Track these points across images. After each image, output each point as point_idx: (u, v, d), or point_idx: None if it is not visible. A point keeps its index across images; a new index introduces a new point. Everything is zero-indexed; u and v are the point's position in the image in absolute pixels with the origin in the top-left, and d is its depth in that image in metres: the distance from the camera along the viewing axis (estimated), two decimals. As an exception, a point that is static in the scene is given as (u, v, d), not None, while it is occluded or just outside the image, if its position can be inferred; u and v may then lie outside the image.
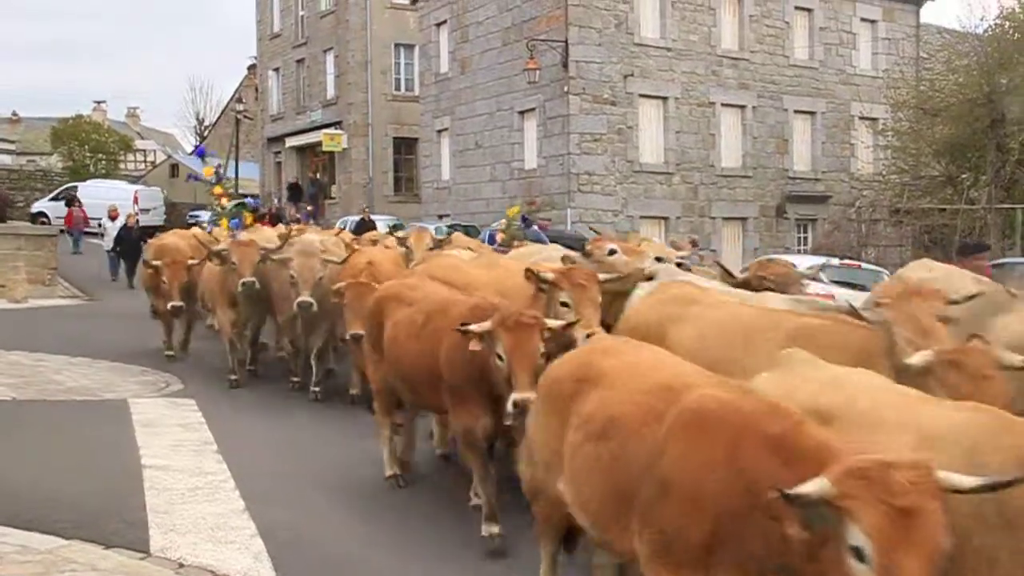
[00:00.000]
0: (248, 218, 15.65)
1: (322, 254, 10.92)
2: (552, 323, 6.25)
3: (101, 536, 6.20)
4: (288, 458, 8.74)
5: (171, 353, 13.55)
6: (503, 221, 20.46)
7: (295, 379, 11.86)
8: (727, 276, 9.17)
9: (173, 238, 15.11)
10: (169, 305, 12.56)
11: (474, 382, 6.33)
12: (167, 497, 7.18)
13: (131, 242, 24.46)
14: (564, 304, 7.02)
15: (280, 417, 10.44)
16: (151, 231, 24.68)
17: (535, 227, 17.80)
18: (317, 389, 11.24)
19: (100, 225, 27.05)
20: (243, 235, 14.32)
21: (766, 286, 8.40)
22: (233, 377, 12.02)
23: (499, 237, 14.21)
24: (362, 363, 9.99)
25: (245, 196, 20.44)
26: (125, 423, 9.51)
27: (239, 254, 11.39)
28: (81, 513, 6.56)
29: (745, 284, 8.67)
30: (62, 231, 30.83)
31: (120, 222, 25.98)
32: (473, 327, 5.99)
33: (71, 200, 35.38)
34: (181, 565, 5.91)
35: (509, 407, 5.66)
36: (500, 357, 5.89)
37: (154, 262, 12.99)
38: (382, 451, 7.96)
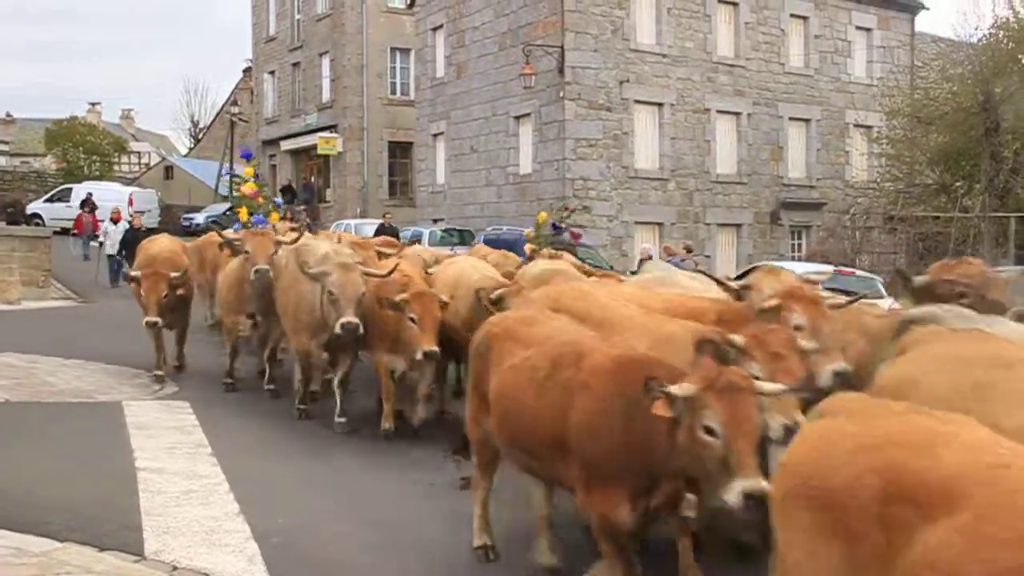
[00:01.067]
0: (273, 216, 14.75)
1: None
2: (770, 387, 4.85)
3: (95, 539, 6.18)
4: (283, 461, 8.74)
5: (160, 373, 12.30)
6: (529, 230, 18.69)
7: (270, 387, 11.70)
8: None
9: (160, 245, 13.99)
10: (144, 320, 11.65)
11: (625, 459, 4.90)
12: (161, 500, 7.17)
13: (138, 244, 23.71)
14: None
15: (275, 420, 10.42)
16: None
17: (566, 234, 16.52)
18: (343, 420, 9.93)
19: (104, 233, 25.68)
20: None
21: (957, 292, 6.77)
22: (228, 380, 11.91)
23: (527, 248, 12.79)
24: (390, 388, 9.73)
25: (275, 197, 19.48)
26: (119, 425, 9.49)
27: (253, 242, 11.03)
28: (75, 516, 6.54)
29: (927, 291, 7.00)
30: (74, 235, 30.21)
31: (123, 225, 24.95)
32: (673, 389, 4.52)
33: (85, 203, 32.75)
34: (175, 568, 5.91)
35: (738, 497, 4.26)
36: (710, 431, 4.42)
37: (133, 273, 12.21)
38: (473, 512, 6.48)
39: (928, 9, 34.88)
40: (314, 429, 10.04)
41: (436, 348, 8.94)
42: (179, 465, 8.22)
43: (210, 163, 57.23)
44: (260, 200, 14.77)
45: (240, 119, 52.66)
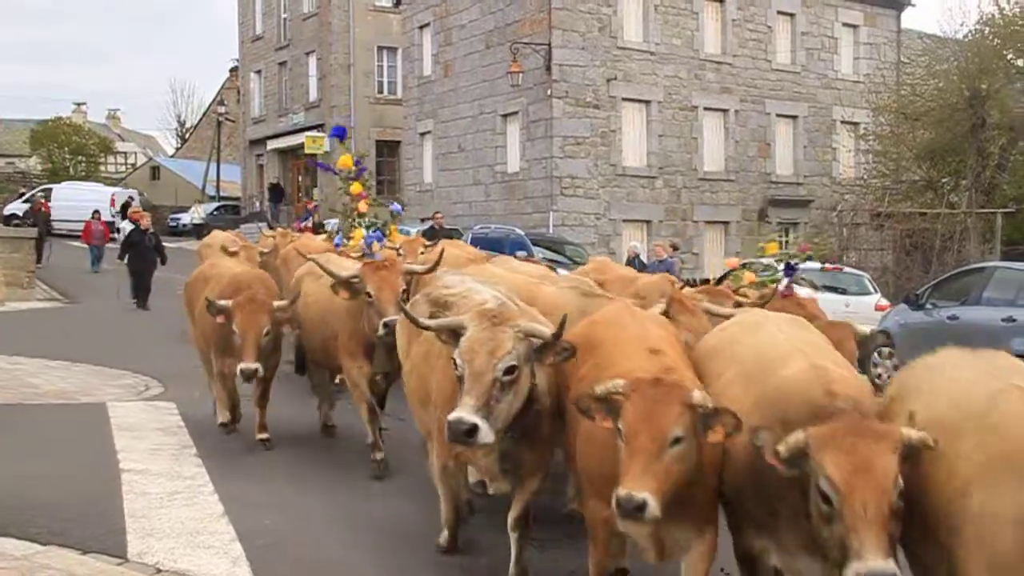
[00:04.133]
0: (392, 231, 10.89)
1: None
2: None
3: (78, 541, 6.10)
4: (268, 462, 8.67)
5: (226, 423, 9.29)
6: (732, 261, 14.46)
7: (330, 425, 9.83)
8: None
9: (232, 263, 11.07)
10: (239, 368, 8.12)
11: None
12: (145, 501, 7.10)
13: (143, 250, 20.63)
14: None
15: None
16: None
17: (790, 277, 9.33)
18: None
19: (118, 231, 23.27)
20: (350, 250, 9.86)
21: None
22: (378, 458, 8.36)
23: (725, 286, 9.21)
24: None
25: (390, 202, 13.93)
26: (103, 427, 9.41)
27: (377, 282, 7.76)
28: (57, 518, 6.47)
29: None
30: (92, 246, 27.53)
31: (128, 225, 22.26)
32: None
33: (95, 212, 29.36)
34: (159, 571, 5.83)
35: None
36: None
37: (221, 302, 8.30)
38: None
39: (914, 5, 35.00)
40: (300, 430, 9.97)
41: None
42: (163, 466, 8.14)
43: (197, 163, 57.13)
44: (364, 206, 9.87)
45: (227, 119, 52.61)
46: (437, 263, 8.22)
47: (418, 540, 6.67)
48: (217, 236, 16.12)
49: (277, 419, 9.77)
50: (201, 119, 66.06)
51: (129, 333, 16.41)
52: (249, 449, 9.08)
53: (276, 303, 8.49)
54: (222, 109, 52.77)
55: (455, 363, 4.87)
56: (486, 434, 4.68)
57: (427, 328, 5.27)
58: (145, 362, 13.36)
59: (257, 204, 48.14)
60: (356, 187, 9.93)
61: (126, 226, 22.59)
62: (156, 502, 7.12)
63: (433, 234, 18.86)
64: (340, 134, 11.13)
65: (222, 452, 8.70)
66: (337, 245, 10.21)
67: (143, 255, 20.56)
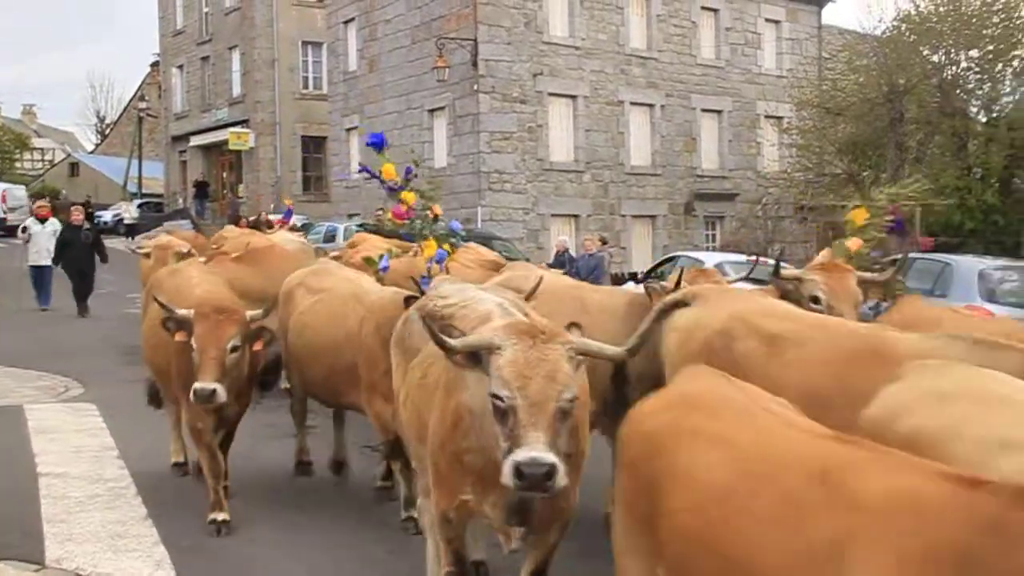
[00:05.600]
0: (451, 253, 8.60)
1: None
2: None
3: (-7, 548, 5.94)
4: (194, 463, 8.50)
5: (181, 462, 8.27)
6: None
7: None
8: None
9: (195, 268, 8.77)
10: (194, 387, 6.24)
11: None
12: (64, 505, 6.93)
13: (79, 249, 18.72)
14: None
15: (185, 421, 10.15)
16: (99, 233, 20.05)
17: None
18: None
19: (23, 230, 19.75)
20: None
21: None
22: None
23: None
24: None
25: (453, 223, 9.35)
26: (20, 430, 9.18)
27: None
28: (-29, 525, 6.28)
29: None
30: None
31: (52, 226, 19.47)
32: None
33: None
34: (79, 575, 5.69)
35: None
36: None
37: (178, 312, 6.52)
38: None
39: (834, 2, 35.69)
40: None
41: None
42: (84, 469, 7.96)
43: (118, 159, 56.05)
44: (410, 216, 8.37)
45: (148, 115, 51.71)
46: (535, 289, 6.52)
47: (348, 542, 6.60)
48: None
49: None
50: (122, 115, 64.85)
51: (46, 333, 15.98)
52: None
53: (250, 312, 6.77)
54: (143, 104, 51.88)
55: (498, 396, 3.82)
56: (562, 478, 3.74)
57: (454, 349, 4.03)
58: (64, 363, 13.05)
59: (181, 201, 47.39)
60: (410, 196, 8.40)
61: (31, 224, 19.58)
62: (76, 506, 6.96)
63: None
64: (378, 143, 8.98)
65: (146, 454, 8.51)
66: (384, 269, 8.53)
67: (79, 255, 18.69)
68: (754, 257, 20.45)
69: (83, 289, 18.83)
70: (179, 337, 6.48)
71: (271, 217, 19.51)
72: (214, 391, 6.19)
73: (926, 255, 16.43)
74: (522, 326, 4.09)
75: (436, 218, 8.41)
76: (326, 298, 7.55)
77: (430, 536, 5.35)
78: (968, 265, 13.74)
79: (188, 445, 7.60)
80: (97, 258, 19.15)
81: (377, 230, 17.60)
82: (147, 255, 12.38)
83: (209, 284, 7.67)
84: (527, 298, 5.99)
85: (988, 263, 14.06)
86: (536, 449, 3.65)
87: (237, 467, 8.37)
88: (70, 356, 13.57)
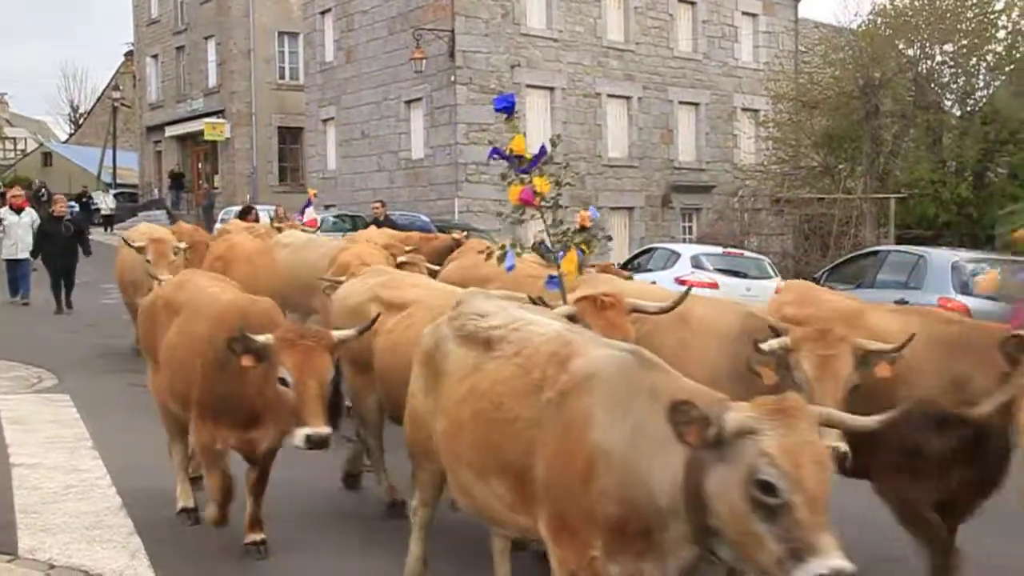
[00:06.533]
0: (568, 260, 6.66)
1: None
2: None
3: (-35, 539, 5.89)
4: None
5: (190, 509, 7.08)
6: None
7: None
8: None
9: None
10: (307, 433, 5.06)
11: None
12: (38, 496, 6.87)
13: (60, 241, 17.50)
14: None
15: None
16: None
17: None
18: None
19: None
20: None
21: None
22: None
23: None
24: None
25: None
26: (-7, 421, 9.08)
27: (604, 327, 5.29)
28: (-57, 516, 6.23)
29: None
30: None
31: (29, 216, 18.27)
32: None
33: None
34: (52, 566, 5.65)
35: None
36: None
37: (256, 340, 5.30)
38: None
39: (811, -5, 35.78)
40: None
41: None
42: (58, 460, 7.89)
43: (92, 150, 55.61)
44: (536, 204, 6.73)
45: (123, 104, 51.33)
46: (679, 303, 5.78)
47: (322, 529, 6.58)
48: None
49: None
50: (95, 104, 64.33)
51: (20, 323, 15.84)
52: (148, 441, 8.83)
53: (339, 333, 5.50)
54: (117, 94, 51.46)
55: (767, 485, 3.05)
56: None
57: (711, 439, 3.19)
58: (37, 354, 12.91)
59: (156, 191, 47.09)
60: (543, 183, 6.65)
61: (6, 215, 18.25)
62: (50, 496, 6.90)
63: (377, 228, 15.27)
64: (508, 107, 7.28)
65: (121, 445, 8.44)
66: (510, 268, 6.89)
67: (61, 248, 17.47)
68: (730, 249, 20.66)
69: (65, 284, 17.65)
70: (247, 362, 5.19)
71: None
72: (329, 436, 5.07)
73: (900, 248, 16.59)
74: (769, 403, 3.26)
75: (583, 229, 6.90)
76: (417, 313, 6.24)
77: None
78: (942, 258, 13.82)
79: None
80: (80, 251, 17.96)
81: (376, 222, 16.93)
82: (140, 249, 11.64)
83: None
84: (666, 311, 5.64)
85: (961, 256, 14.14)
86: (837, 557, 2.96)
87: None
88: (43, 347, 13.44)
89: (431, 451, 4.71)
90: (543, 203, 6.63)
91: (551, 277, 6.54)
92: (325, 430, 5.00)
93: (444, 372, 4.58)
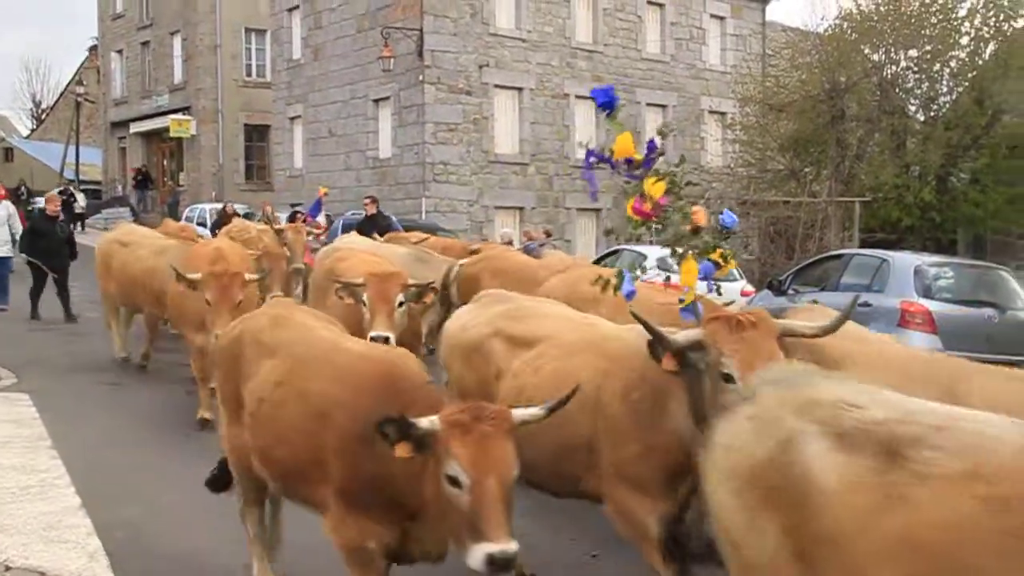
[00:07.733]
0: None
1: None
2: None
3: (-82, 540, 5.79)
4: (129, 453, 8.36)
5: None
6: None
7: None
8: None
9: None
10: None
11: None
12: (-6, 496, 6.78)
13: (54, 242, 15.70)
14: None
15: (120, 411, 9.98)
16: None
17: None
18: None
19: None
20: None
21: None
22: None
23: None
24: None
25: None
26: (-51, 420, 8.94)
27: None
28: None
29: None
30: None
31: (4, 210, 16.68)
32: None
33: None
34: (7, 568, 5.57)
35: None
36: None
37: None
38: None
39: (778, -1, 36.02)
40: (162, 421, 9.66)
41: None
42: (15, 459, 7.79)
43: (54, 145, 54.95)
44: (656, 215, 6.10)
45: (86, 100, 50.70)
46: (841, 322, 4.90)
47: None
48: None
49: (135, 411, 9.42)
50: (58, 100, 63.58)
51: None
52: (108, 441, 8.75)
53: (521, 413, 4.10)
54: (81, 89, 50.79)
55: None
56: None
57: None
58: (-3, 353, 12.73)
59: (120, 188, 46.61)
60: (657, 186, 5.95)
61: None
62: (7, 497, 6.82)
63: (371, 225, 15.85)
64: (609, 102, 6.43)
65: (80, 444, 8.36)
66: (629, 295, 5.85)
67: (56, 250, 15.63)
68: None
69: (60, 292, 15.73)
70: (402, 452, 3.92)
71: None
72: (516, 555, 3.74)
73: (864, 251, 16.71)
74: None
75: (697, 230, 5.96)
76: (548, 352, 5.41)
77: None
78: (905, 261, 13.93)
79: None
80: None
81: (359, 227, 15.97)
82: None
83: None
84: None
85: (924, 259, 14.27)
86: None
87: (177, 458, 8.27)
88: (2, 345, 13.25)
89: None
90: (664, 211, 5.79)
91: (685, 306, 5.54)
92: (512, 547, 3.66)
93: (812, 493, 2.95)
